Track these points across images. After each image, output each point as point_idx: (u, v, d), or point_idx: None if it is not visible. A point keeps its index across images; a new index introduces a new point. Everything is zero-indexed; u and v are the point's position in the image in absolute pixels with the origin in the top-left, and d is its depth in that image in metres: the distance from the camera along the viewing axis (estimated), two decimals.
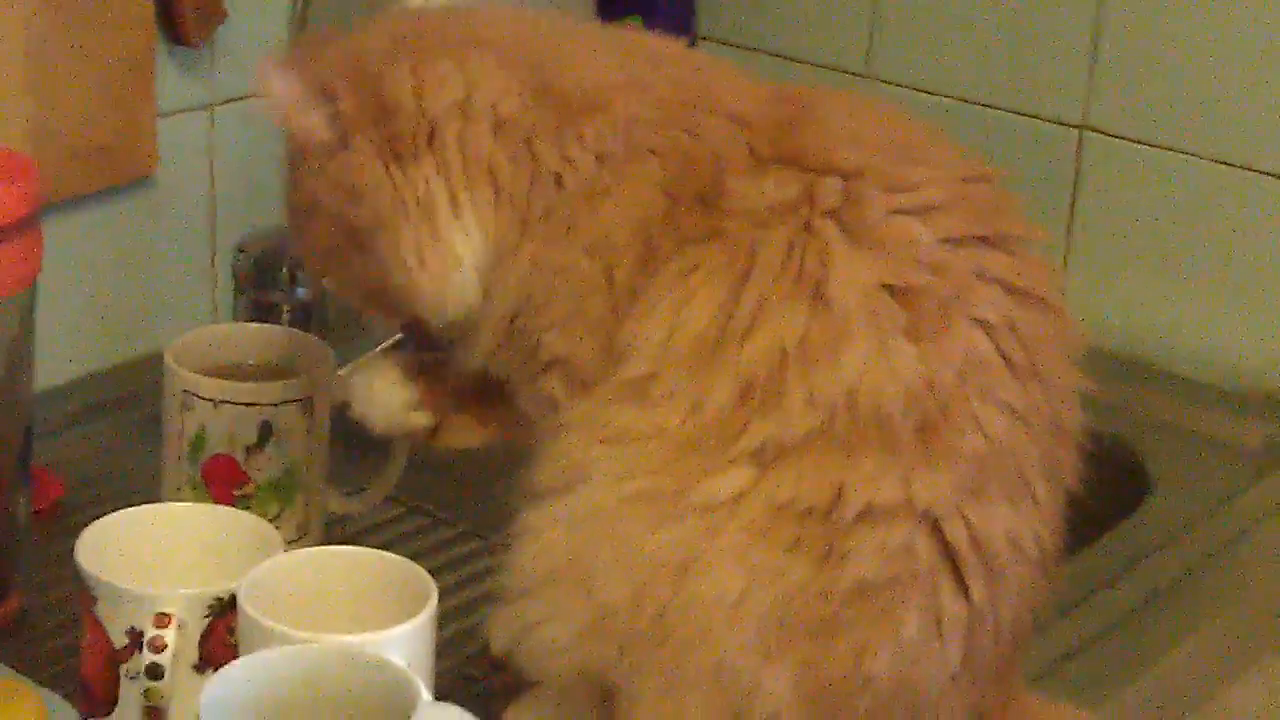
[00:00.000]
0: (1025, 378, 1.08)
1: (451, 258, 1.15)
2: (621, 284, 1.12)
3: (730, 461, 1.06)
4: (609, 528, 1.08)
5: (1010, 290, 1.09)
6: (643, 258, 1.11)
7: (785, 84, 1.19)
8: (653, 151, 1.12)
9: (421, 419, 1.23)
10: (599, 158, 1.13)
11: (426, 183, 1.14)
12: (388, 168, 1.14)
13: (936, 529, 1.06)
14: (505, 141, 1.14)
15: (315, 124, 1.15)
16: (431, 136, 1.14)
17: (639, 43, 1.21)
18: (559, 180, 1.13)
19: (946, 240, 1.08)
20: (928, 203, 1.09)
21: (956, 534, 1.06)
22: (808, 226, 1.08)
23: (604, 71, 1.15)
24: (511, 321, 1.15)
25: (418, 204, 1.14)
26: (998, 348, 1.08)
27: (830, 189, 1.08)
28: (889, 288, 1.06)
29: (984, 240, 1.10)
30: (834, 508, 1.05)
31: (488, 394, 1.21)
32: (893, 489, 1.05)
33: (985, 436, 1.06)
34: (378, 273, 1.16)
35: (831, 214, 1.08)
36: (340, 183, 1.16)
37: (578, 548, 1.09)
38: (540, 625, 1.10)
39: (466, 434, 1.24)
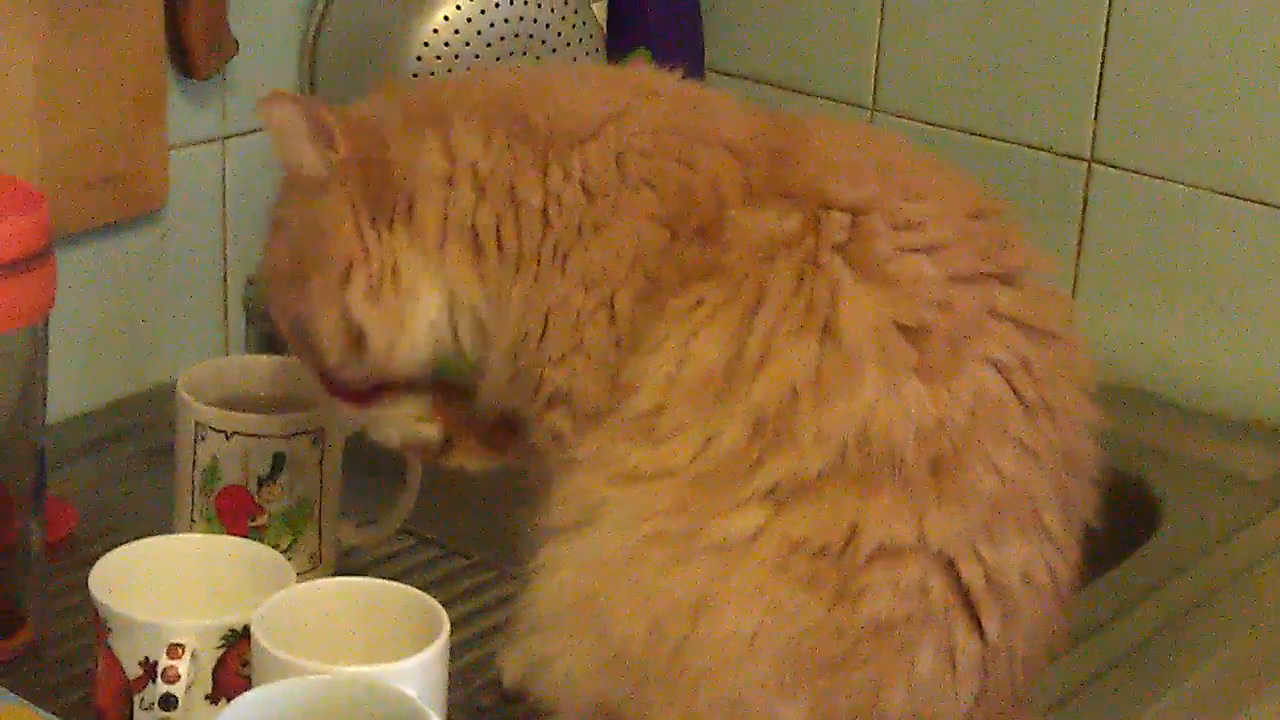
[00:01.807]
0: (1037, 413, 1.08)
1: (408, 317, 1.17)
2: (622, 316, 1.12)
3: (744, 500, 1.06)
4: (624, 569, 1.08)
5: (1021, 326, 1.09)
6: (644, 291, 1.12)
7: (781, 112, 1.19)
8: (648, 184, 1.13)
9: (431, 430, 1.23)
10: (587, 189, 1.13)
11: (394, 250, 1.16)
12: (358, 224, 1.16)
13: (951, 568, 1.06)
14: (489, 198, 1.15)
15: (306, 161, 1.18)
16: (410, 208, 1.16)
17: (631, 77, 1.22)
18: (545, 215, 1.14)
19: (955, 278, 1.08)
20: (935, 240, 1.09)
21: (971, 573, 1.06)
22: (815, 261, 1.08)
23: (591, 104, 1.16)
24: (515, 359, 1.16)
25: (380, 263, 1.16)
26: (1009, 385, 1.08)
27: (837, 224, 1.08)
28: (899, 326, 1.06)
29: (993, 276, 1.10)
30: (848, 547, 1.05)
31: (498, 422, 1.22)
32: (906, 528, 1.05)
33: (998, 475, 1.06)
34: (299, 310, 1.19)
35: (839, 249, 1.08)
36: (311, 220, 1.18)
37: (593, 587, 1.09)
38: (556, 660, 1.10)
39: (476, 457, 1.24)
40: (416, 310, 1.17)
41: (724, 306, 1.09)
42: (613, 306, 1.12)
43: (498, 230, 1.15)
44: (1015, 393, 1.08)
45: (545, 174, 1.14)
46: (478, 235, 1.15)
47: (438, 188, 1.16)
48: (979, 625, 1.07)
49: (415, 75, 1.57)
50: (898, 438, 1.05)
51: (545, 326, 1.14)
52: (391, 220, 1.16)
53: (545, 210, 1.14)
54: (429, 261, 1.16)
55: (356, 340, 1.18)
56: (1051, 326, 1.11)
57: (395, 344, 1.17)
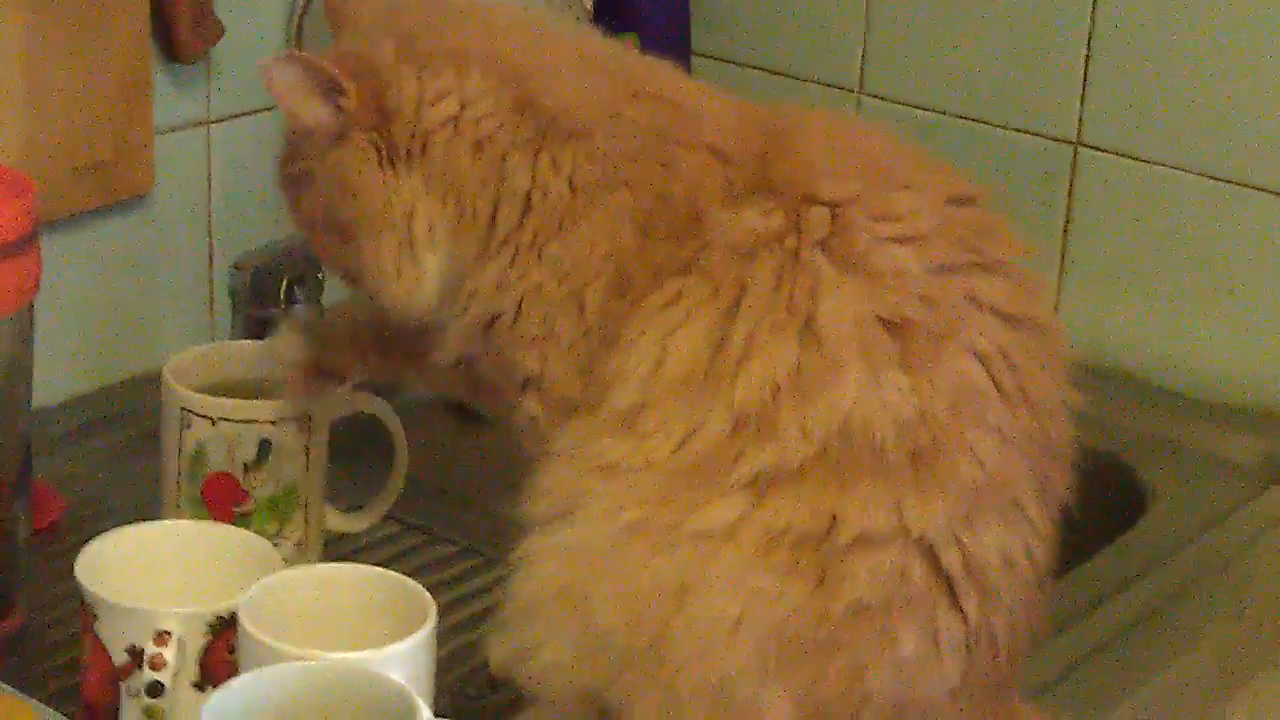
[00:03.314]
0: (1016, 402, 1.09)
1: (423, 271, 1.16)
2: (592, 310, 1.13)
3: (725, 491, 1.06)
4: (606, 559, 1.08)
5: (1001, 315, 1.10)
6: (616, 286, 1.12)
7: (766, 107, 1.19)
8: (626, 184, 1.13)
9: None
10: (572, 185, 1.13)
11: (412, 195, 1.15)
12: (383, 171, 1.16)
13: (931, 555, 1.06)
14: (481, 161, 1.14)
15: (317, 115, 1.16)
16: (425, 149, 1.15)
17: (628, 67, 1.21)
18: (527, 201, 1.14)
19: (936, 269, 1.09)
20: (915, 231, 1.09)
21: (951, 559, 1.06)
22: (796, 257, 1.08)
23: (590, 98, 1.15)
24: (485, 335, 1.16)
25: (403, 214, 1.16)
26: (989, 375, 1.08)
27: (818, 219, 1.09)
28: (881, 320, 1.06)
29: (974, 265, 1.10)
30: (828, 535, 1.05)
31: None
32: (886, 517, 1.05)
33: (978, 464, 1.07)
34: (353, 263, 1.18)
35: (820, 245, 1.08)
36: (335, 175, 1.17)
37: (575, 577, 1.09)
38: (539, 647, 1.11)
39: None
40: (433, 255, 1.16)
41: (703, 304, 1.09)
42: (582, 299, 1.13)
43: (476, 199, 1.14)
44: (994, 382, 1.08)
45: (535, 160, 1.14)
46: (461, 195, 1.15)
47: (447, 131, 1.15)
48: (960, 607, 1.07)
49: None
50: (879, 431, 1.05)
51: (519, 310, 1.14)
52: (410, 161, 1.15)
53: (529, 196, 1.13)
54: (435, 207, 1.15)
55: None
56: (1030, 313, 1.11)
57: (416, 288, 1.17)
